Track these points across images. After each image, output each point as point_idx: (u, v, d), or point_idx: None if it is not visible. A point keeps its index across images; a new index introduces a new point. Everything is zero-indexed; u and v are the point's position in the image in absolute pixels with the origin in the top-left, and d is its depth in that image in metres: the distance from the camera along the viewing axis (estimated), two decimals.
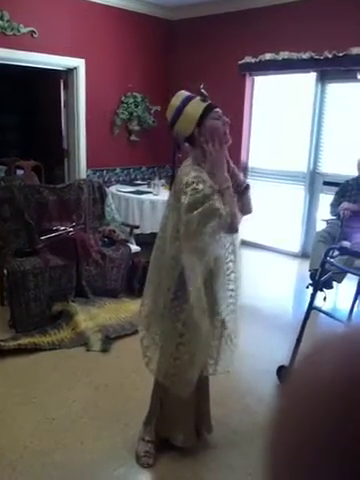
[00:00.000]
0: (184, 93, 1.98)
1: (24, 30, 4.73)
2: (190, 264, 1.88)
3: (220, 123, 1.93)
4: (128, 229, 4.53)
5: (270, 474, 0.35)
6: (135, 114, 5.88)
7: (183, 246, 1.88)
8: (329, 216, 4.43)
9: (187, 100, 1.94)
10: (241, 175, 2.06)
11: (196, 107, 1.92)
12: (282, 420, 0.36)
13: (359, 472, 0.29)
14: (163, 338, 2.06)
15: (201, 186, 1.81)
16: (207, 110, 1.91)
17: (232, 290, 2.11)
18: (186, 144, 2.00)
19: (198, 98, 1.94)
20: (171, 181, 2.08)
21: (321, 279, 2.85)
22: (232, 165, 2.01)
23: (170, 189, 2.17)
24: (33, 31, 4.79)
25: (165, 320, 2.03)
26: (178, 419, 2.20)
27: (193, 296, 1.90)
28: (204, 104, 1.93)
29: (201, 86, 1.92)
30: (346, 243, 3.97)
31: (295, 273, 5.26)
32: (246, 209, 2.03)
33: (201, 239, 1.83)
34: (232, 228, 1.87)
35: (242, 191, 2.02)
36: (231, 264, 2.08)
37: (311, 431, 0.32)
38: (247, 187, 2.04)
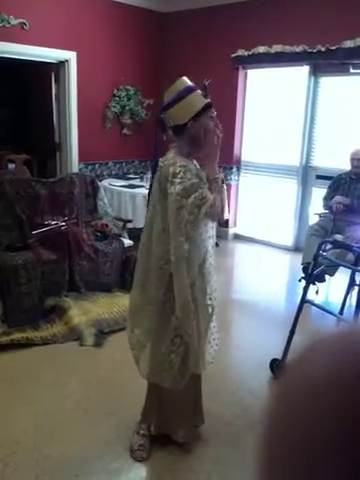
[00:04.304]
0: (187, 81, 1.95)
1: (14, 22, 4.66)
2: (180, 257, 1.87)
3: (212, 124, 1.92)
4: (121, 223, 4.52)
5: (265, 473, 0.35)
6: (127, 107, 5.85)
7: (172, 238, 1.87)
8: (322, 210, 4.45)
9: (189, 90, 1.91)
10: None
11: (198, 100, 1.91)
12: (277, 419, 0.35)
13: (356, 472, 0.29)
14: (154, 336, 2.05)
15: (189, 175, 1.83)
16: (206, 107, 1.91)
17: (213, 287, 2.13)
18: (170, 132, 1.99)
19: (199, 91, 1.93)
20: (153, 169, 2.06)
21: (314, 272, 2.86)
22: None
23: (152, 179, 2.15)
24: (24, 23, 4.73)
25: (156, 318, 2.02)
26: (179, 415, 2.21)
27: (179, 294, 1.90)
28: (205, 100, 1.91)
29: (207, 82, 1.91)
30: (339, 236, 3.99)
31: (288, 267, 5.28)
32: None
33: (193, 228, 1.83)
34: (220, 217, 1.89)
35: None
36: (212, 259, 2.08)
37: (306, 430, 0.32)
38: (222, 182, 2.06)
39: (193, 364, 2.03)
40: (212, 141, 1.91)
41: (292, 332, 2.79)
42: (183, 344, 2.00)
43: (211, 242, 2.05)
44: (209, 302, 2.07)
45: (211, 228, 2.02)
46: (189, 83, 1.95)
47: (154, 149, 2.12)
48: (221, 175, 2.08)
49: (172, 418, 2.22)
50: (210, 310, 2.09)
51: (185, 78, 1.97)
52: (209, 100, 1.93)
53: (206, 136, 1.91)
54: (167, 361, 2.02)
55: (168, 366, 2.02)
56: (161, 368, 2.04)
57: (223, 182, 2.08)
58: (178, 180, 1.81)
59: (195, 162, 2.02)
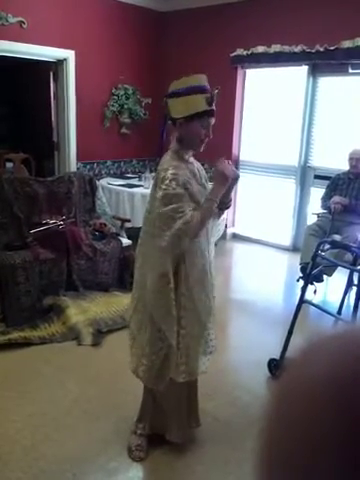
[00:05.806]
0: (204, 81, 1.91)
1: (13, 20, 4.65)
2: (152, 260, 1.89)
3: (203, 132, 1.90)
4: (119, 222, 4.52)
5: (264, 472, 0.35)
6: (126, 106, 5.84)
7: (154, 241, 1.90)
8: (320, 210, 4.45)
9: (197, 89, 1.87)
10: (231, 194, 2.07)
11: (199, 103, 1.86)
12: (276, 419, 0.35)
13: (354, 471, 0.29)
14: (142, 332, 2.06)
15: (174, 184, 1.81)
16: (204, 114, 1.87)
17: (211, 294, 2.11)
18: (169, 122, 1.99)
19: (207, 95, 1.87)
20: (157, 165, 2.07)
21: (312, 272, 2.86)
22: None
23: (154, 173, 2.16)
24: (22, 21, 4.72)
25: (145, 314, 2.03)
26: (174, 415, 2.20)
27: (149, 296, 1.92)
28: (206, 107, 1.87)
29: (216, 91, 1.88)
30: (337, 237, 3.99)
31: (286, 266, 5.28)
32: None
33: (164, 238, 1.82)
34: (194, 235, 1.87)
35: (223, 208, 2.03)
36: (207, 266, 2.06)
37: (305, 430, 0.32)
38: (228, 207, 2.08)
39: (172, 370, 2.02)
40: (197, 145, 1.92)
41: (290, 332, 2.79)
42: (165, 347, 2.00)
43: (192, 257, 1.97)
44: (200, 308, 2.03)
45: (195, 242, 1.94)
46: (201, 83, 1.90)
47: (160, 137, 2.11)
48: (231, 200, 2.07)
49: (166, 418, 2.22)
50: (203, 318, 2.05)
51: (202, 76, 1.92)
52: (212, 108, 1.88)
53: (191, 141, 1.91)
54: (149, 360, 2.02)
55: (150, 364, 2.03)
56: (143, 365, 2.05)
57: (228, 207, 2.07)
58: (164, 186, 1.81)
59: (193, 160, 2.02)
